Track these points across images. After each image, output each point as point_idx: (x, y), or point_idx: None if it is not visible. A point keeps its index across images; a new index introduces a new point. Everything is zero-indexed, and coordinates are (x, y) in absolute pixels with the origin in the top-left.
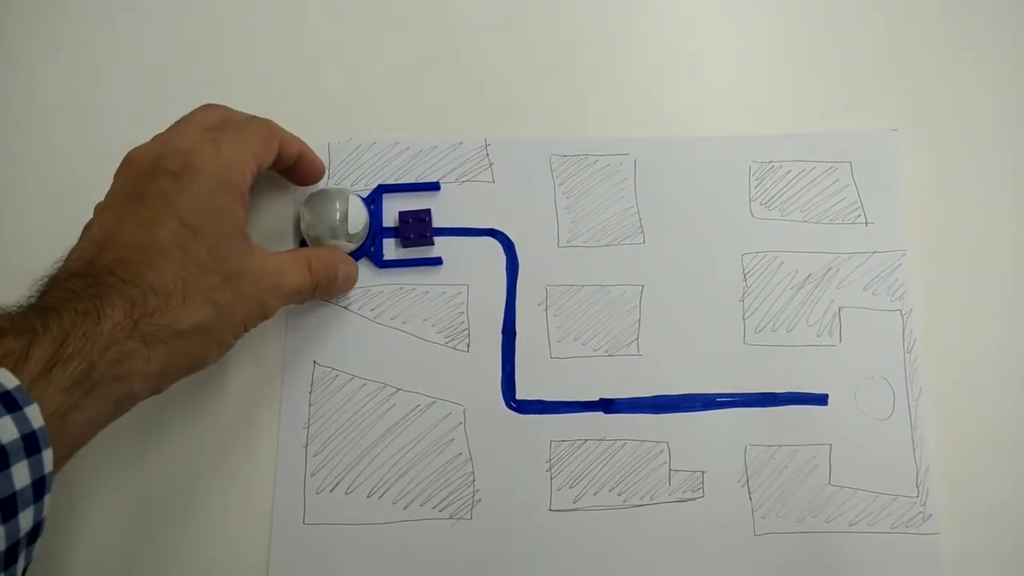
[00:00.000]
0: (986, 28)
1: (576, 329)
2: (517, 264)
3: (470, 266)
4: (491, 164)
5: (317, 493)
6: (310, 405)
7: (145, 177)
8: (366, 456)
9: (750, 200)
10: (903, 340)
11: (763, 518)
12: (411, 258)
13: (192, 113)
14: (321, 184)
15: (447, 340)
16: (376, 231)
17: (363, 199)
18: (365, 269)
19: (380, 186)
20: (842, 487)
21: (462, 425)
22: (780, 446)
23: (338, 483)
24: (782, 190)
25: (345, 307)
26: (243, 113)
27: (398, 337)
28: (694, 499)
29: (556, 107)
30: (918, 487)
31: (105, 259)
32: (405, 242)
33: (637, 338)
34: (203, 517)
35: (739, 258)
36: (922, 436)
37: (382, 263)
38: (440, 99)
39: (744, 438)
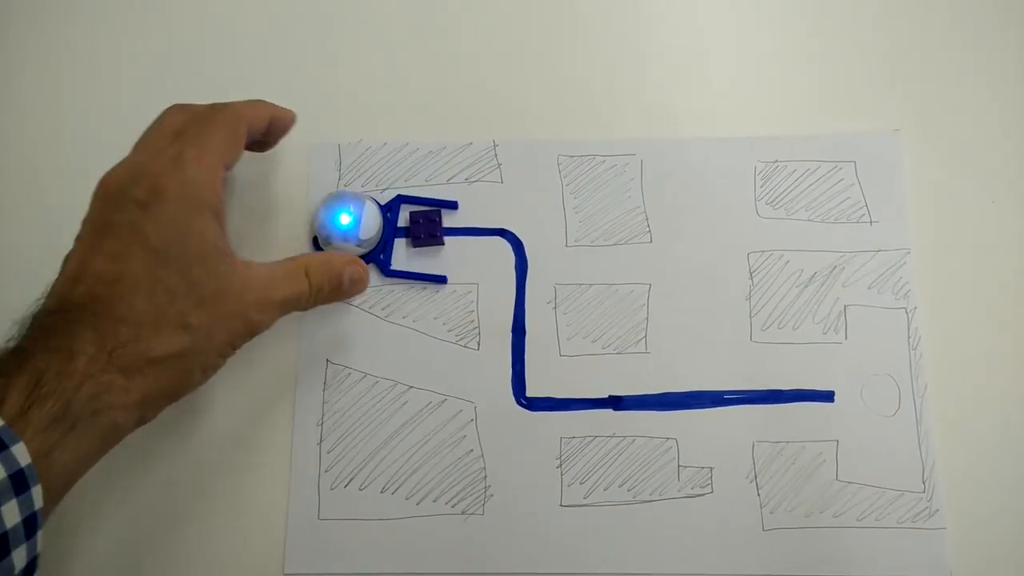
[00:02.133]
0: (988, 29)
1: (585, 327)
2: (526, 263)
3: (479, 265)
4: (500, 164)
5: (331, 489)
6: (323, 403)
7: (115, 206)
8: (379, 452)
9: (756, 200)
10: (908, 337)
11: (771, 513)
12: (417, 272)
13: (160, 118)
14: (339, 186)
15: (458, 338)
16: (388, 239)
17: (380, 206)
18: (371, 275)
19: (399, 196)
20: (849, 483)
21: (473, 422)
22: (787, 442)
23: (352, 479)
24: (787, 189)
25: (357, 306)
26: (205, 107)
27: (409, 335)
28: (703, 495)
29: (563, 108)
30: (924, 483)
31: (77, 294)
32: (415, 242)
33: (645, 336)
34: (219, 514)
35: (745, 257)
36: (928, 432)
37: (389, 272)
38: (449, 100)
39: (752, 434)
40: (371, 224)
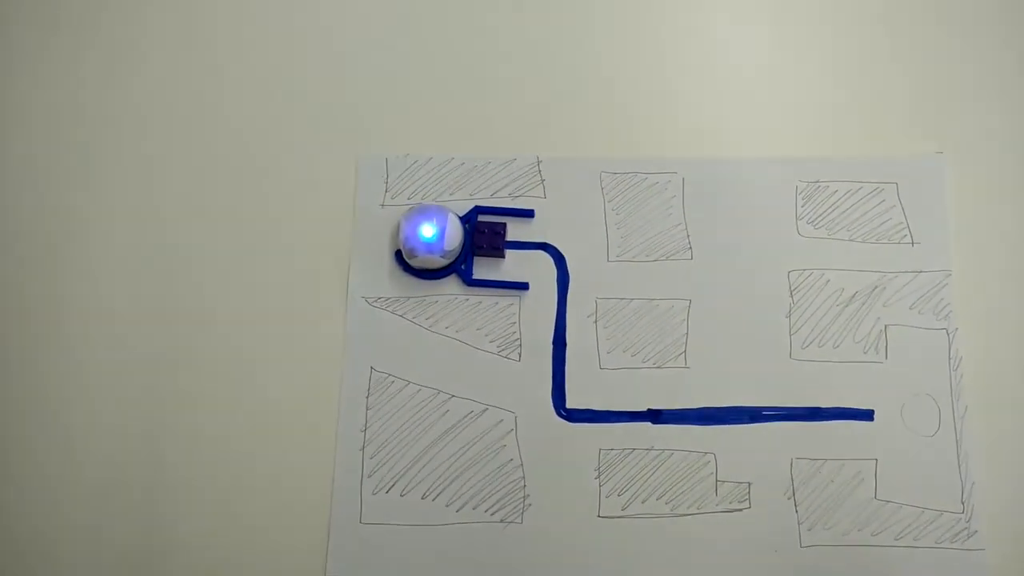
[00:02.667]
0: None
1: (625, 341)
2: (568, 277)
3: (522, 278)
4: (543, 180)
5: (373, 494)
6: (367, 409)
7: None
8: (421, 459)
9: (797, 219)
10: (949, 358)
11: (809, 530)
12: (498, 280)
13: None
14: (385, 199)
15: (499, 349)
16: (467, 250)
17: (460, 217)
18: (453, 284)
19: (476, 207)
20: (888, 501)
21: (513, 432)
22: (826, 460)
23: (394, 485)
24: (829, 209)
25: (401, 316)
26: None
27: (452, 345)
28: (740, 509)
29: (607, 126)
30: (963, 503)
31: None
32: (477, 251)
33: (685, 351)
34: (264, 517)
35: (786, 275)
36: (967, 453)
37: (470, 281)
38: (494, 117)
39: (790, 451)
40: (454, 235)
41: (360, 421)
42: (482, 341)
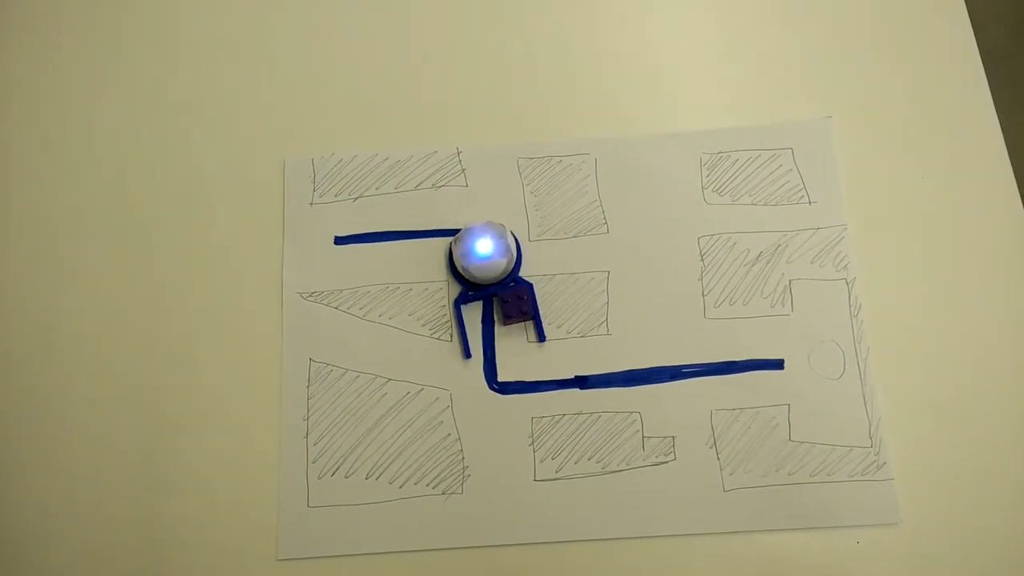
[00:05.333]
0: (910, 21)
1: (550, 314)
2: None
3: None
4: (464, 170)
5: (319, 478)
6: (308, 399)
7: None
8: (363, 442)
9: (703, 188)
10: (849, 306)
11: (731, 475)
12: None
13: None
14: (314, 198)
15: (432, 332)
16: (517, 270)
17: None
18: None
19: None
20: (802, 442)
21: (450, 408)
22: (743, 409)
23: (338, 468)
24: (732, 177)
25: (336, 307)
26: None
27: (387, 332)
28: (667, 462)
29: (522, 115)
30: (871, 438)
31: None
32: (507, 320)
33: (606, 319)
34: (215, 509)
35: (696, 241)
36: (872, 392)
37: (510, 316)
38: (414, 112)
39: (709, 404)
40: (510, 254)
41: (302, 411)
42: (414, 325)
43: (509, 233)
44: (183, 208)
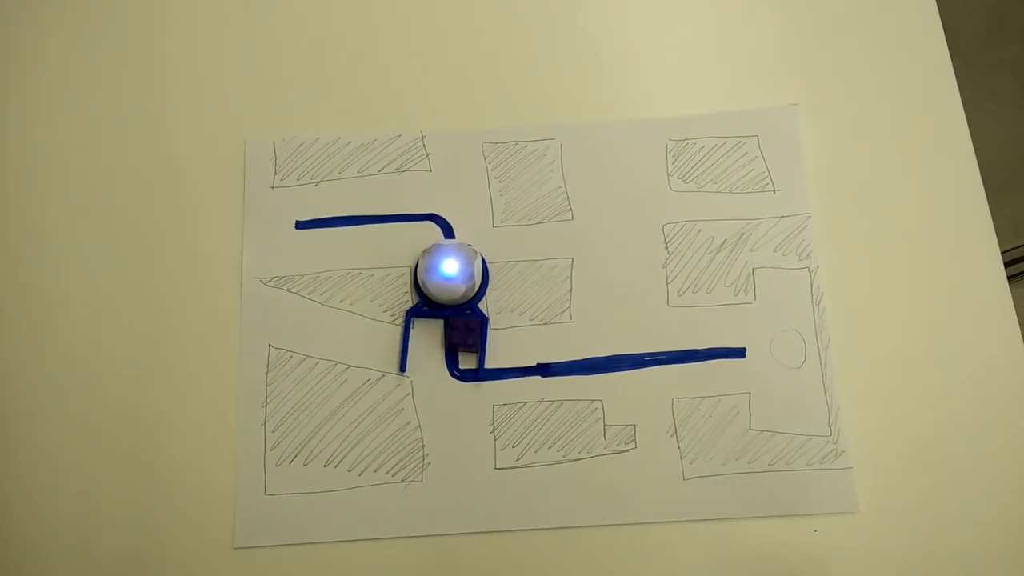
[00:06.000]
0: (878, 10)
1: (512, 301)
2: None
3: (412, 249)
4: (428, 154)
5: (277, 466)
6: (267, 385)
7: None
8: (322, 429)
9: (668, 175)
10: (812, 295)
11: (691, 463)
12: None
13: None
14: (275, 181)
15: (393, 318)
16: (482, 295)
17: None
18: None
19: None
20: (762, 431)
21: (410, 395)
22: (704, 397)
23: (296, 455)
24: (697, 164)
25: (296, 293)
26: None
27: (347, 318)
28: (628, 450)
29: (486, 99)
30: (830, 427)
31: None
32: (450, 347)
33: (569, 306)
34: (171, 496)
35: (660, 228)
36: (832, 381)
37: (464, 343)
38: (378, 95)
39: (671, 392)
40: (476, 277)
41: (260, 397)
42: (376, 311)
43: (479, 260)
44: (142, 191)
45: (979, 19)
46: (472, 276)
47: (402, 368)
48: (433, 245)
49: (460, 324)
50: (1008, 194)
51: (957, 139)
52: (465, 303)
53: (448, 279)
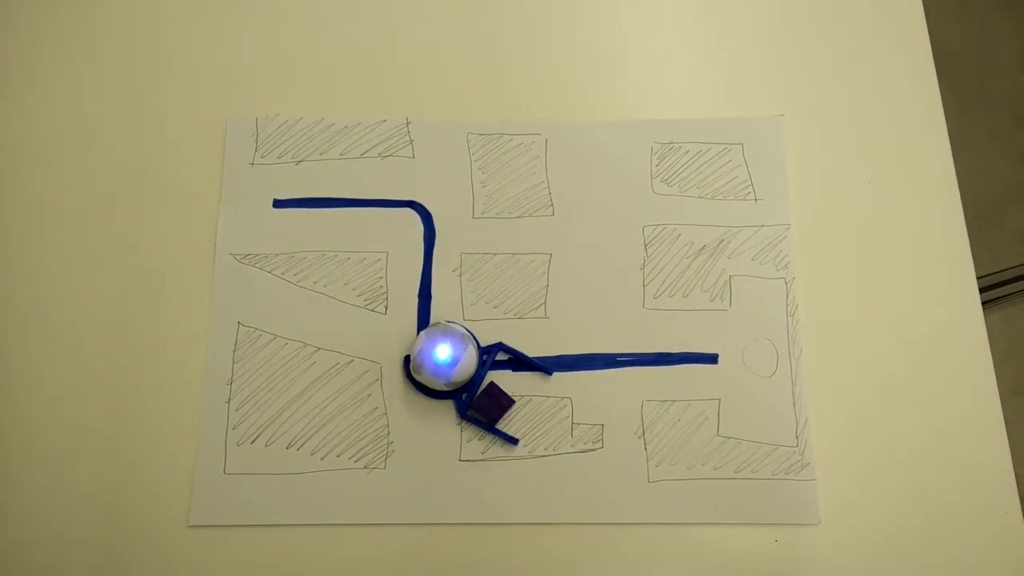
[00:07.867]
0: (865, 26)
1: (487, 294)
2: (434, 233)
3: (390, 235)
4: (412, 141)
5: (238, 445)
6: (234, 363)
7: None
8: (286, 411)
9: (651, 177)
10: (787, 305)
11: (657, 466)
12: (492, 428)
13: None
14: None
15: (366, 303)
16: (477, 383)
17: (480, 349)
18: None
19: (500, 344)
20: (729, 438)
21: (379, 382)
22: (674, 401)
23: (259, 435)
24: (681, 168)
25: (270, 272)
26: None
27: (320, 300)
28: (594, 450)
29: (474, 90)
30: (797, 438)
31: None
32: (473, 410)
33: (544, 302)
34: (127, 468)
35: (640, 230)
36: (802, 392)
37: (463, 414)
38: (365, 78)
39: (641, 394)
40: (466, 369)
41: (226, 375)
42: (350, 295)
43: (472, 348)
44: (124, 164)
45: (970, 57)
46: (450, 379)
47: (513, 440)
48: (434, 328)
49: (496, 395)
50: (988, 224)
51: (938, 159)
52: (455, 390)
53: (438, 370)
